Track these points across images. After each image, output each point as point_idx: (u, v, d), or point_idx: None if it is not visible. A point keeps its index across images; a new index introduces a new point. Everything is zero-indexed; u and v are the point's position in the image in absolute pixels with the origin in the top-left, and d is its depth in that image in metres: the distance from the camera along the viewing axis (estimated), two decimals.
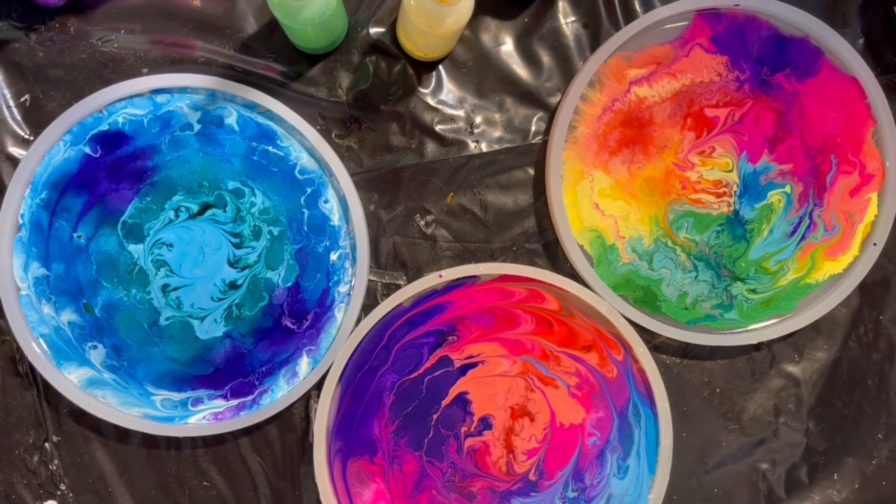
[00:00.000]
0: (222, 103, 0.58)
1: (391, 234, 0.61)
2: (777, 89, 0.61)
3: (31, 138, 0.59)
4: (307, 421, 0.60)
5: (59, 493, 0.60)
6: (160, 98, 0.58)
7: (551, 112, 0.62)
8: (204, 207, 0.58)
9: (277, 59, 0.60)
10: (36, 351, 0.57)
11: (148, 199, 0.58)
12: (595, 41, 0.62)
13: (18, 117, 0.59)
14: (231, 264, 0.58)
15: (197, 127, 0.58)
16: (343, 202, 0.59)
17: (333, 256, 0.59)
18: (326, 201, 0.59)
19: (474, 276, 0.59)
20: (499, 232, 0.62)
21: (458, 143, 0.62)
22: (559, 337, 0.59)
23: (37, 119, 0.59)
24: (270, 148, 0.59)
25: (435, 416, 0.59)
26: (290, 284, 0.59)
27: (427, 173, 0.61)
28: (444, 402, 0.59)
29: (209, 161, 0.58)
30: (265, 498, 0.60)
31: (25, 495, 0.60)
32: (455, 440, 0.59)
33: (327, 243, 0.59)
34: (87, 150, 0.58)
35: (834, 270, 0.61)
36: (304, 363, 0.59)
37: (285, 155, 0.59)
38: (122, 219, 0.58)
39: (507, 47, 0.62)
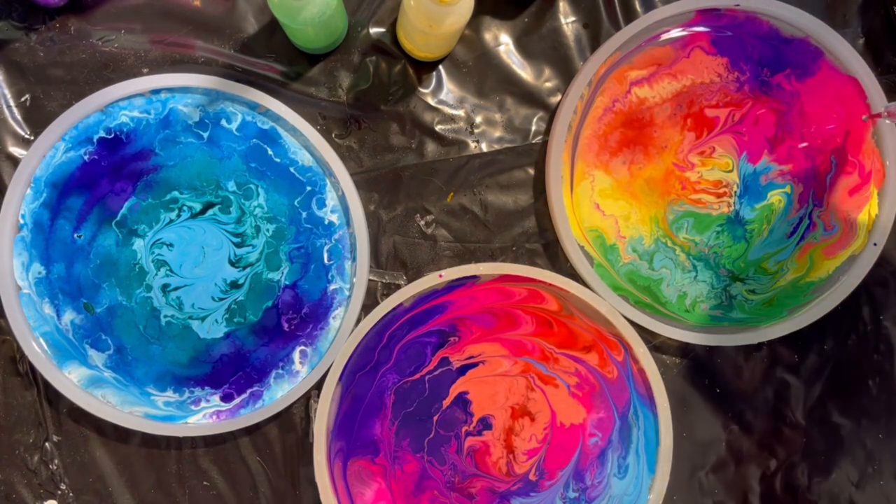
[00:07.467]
0: (223, 103, 0.58)
1: (391, 233, 0.61)
2: (777, 90, 0.61)
3: (32, 138, 0.59)
4: (307, 421, 0.60)
5: (60, 492, 0.60)
6: (160, 98, 0.58)
7: (551, 112, 0.62)
8: (205, 207, 0.58)
9: (278, 59, 0.60)
10: (36, 350, 0.57)
11: (148, 198, 0.58)
12: (595, 41, 0.62)
13: (19, 117, 0.59)
14: (232, 263, 0.58)
15: (197, 127, 0.58)
16: (343, 202, 0.59)
17: (333, 256, 0.59)
18: (326, 201, 0.59)
19: (474, 276, 0.59)
20: (499, 232, 0.62)
21: (458, 143, 0.62)
22: (559, 338, 0.59)
23: (37, 119, 0.59)
24: (270, 148, 0.59)
25: (436, 417, 0.59)
26: (290, 284, 0.59)
27: (427, 173, 0.61)
28: (445, 403, 0.59)
29: (209, 160, 0.58)
30: (265, 498, 0.60)
31: (25, 495, 0.60)
32: (455, 440, 0.59)
33: (327, 242, 0.59)
34: (88, 149, 0.58)
35: (834, 270, 0.61)
36: (303, 363, 0.59)
37: (285, 154, 0.59)
38: (122, 218, 0.58)
39: (507, 47, 0.62)
